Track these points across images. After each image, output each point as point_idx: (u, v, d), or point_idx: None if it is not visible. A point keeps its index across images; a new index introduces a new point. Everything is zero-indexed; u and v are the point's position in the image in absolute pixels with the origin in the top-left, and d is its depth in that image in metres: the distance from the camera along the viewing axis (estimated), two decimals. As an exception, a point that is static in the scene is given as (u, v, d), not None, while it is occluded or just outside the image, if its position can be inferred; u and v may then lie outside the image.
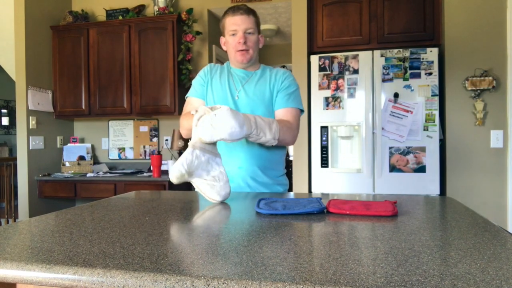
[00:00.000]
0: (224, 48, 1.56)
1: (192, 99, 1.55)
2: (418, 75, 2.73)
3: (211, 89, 1.52)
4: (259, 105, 1.48)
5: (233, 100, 1.49)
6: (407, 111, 2.73)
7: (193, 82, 1.58)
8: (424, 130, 2.71)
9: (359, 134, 2.82)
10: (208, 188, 1.17)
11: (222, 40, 1.56)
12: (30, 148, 3.39)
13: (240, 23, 1.45)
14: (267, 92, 1.50)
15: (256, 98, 1.49)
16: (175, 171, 1.12)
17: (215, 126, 1.12)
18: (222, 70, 1.57)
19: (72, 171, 3.59)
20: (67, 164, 3.65)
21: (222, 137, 1.12)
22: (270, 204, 1.05)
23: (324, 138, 2.87)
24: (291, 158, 6.98)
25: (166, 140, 3.72)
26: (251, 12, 1.48)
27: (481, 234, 0.77)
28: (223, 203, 1.18)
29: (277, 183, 1.54)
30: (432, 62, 2.71)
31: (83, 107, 3.57)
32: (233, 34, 1.47)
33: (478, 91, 2.69)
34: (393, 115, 2.75)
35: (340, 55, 2.85)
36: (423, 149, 2.70)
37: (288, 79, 1.53)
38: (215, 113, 1.12)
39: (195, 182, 1.18)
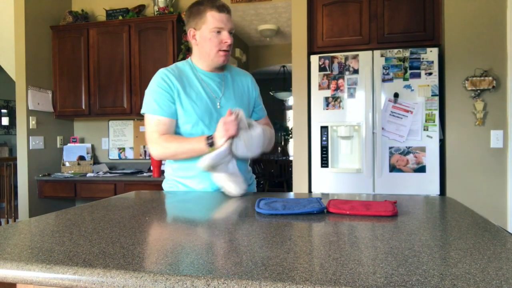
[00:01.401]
0: (194, 41, 1.43)
1: (164, 120, 1.37)
2: (418, 75, 2.73)
3: (187, 100, 1.38)
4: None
5: (215, 110, 1.41)
6: (407, 111, 2.73)
7: (154, 95, 1.37)
8: (424, 130, 2.71)
9: (359, 134, 2.82)
10: (227, 183, 1.26)
11: (192, 32, 1.42)
12: (30, 148, 3.39)
13: (226, 21, 1.38)
14: (245, 97, 1.53)
15: (238, 103, 1.46)
16: (207, 161, 1.23)
17: (249, 147, 1.28)
18: (188, 76, 1.43)
19: (72, 171, 3.59)
20: (67, 164, 3.65)
21: (251, 156, 1.34)
22: (270, 204, 1.05)
23: (324, 138, 2.87)
24: (291, 158, 6.99)
25: (166, 140, 3.72)
26: (230, 12, 1.43)
27: (481, 234, 0.77)
28: (223, 203, 1.18)
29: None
30: (432, 62, 2.71)
31: (83, 107, 3.57)
32: (218, 32, 1.37)
33: (478, 91, 2.69)
34: (393, 115, 2.75)
35: (340, 55, 2.85)
36: (423, 149, 2.70)
37: (257, 87, 1.61)
38: (251, 135, 1.29)
39: (217, 177, 1.27)
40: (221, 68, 1.48)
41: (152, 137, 1.38)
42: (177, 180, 1.47)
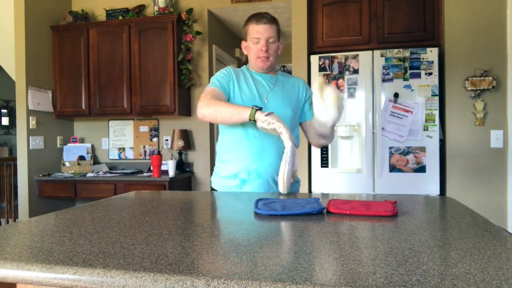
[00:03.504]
0: (245, 52, 1.65)
1: (218, 90, 1.54)
2: (418, 75, 2.73)
3: (238, 90, 1.56)
4: (287, 107, 1.57)
5: (262, 102, 1.55)
6: (407, 111, 2.73)
7: (217, 77, 1.59)
8: (424, 130, 2.71)
9: (359, 134, 2.82)
10: (283, 178, 1.31)
11: (244, 44, 1.65)
12: (30, 148, 3.39)
13: (263, 31, 1.54)
14: (294, 98, 1.63)
15: (286, 101, 1.59)
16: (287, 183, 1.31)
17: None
18: (244, 74, 1.63)
19: (72, 171, 3.59)
20: (67, 164, 3.65)
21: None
22: (269, 205, 1.05)
23: (324, 138, 2.86)
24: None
25: (166, 140, 3.72)
26: (274, 21, 1.57)
27: (481, 234, 0.77)
28: (222, 203, 1.18)
29: (296, 179, 1.66)
30: (432, 62, 2.71)
31: (83, 107, 3.57)
32: (256, 42, 1.55)
33: (478, 91, 2.69)
34: (393, 115, 2.75)
35: (340, 55, 2.84)
36: (423, 149, 2.70)
37: (309, 90, 1.69)
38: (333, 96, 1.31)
39: (282, 171, 1.32)
40: (274, 72, 1.66)
41: (204, 98, 1.50)
42: (218, 165, 1.63)
